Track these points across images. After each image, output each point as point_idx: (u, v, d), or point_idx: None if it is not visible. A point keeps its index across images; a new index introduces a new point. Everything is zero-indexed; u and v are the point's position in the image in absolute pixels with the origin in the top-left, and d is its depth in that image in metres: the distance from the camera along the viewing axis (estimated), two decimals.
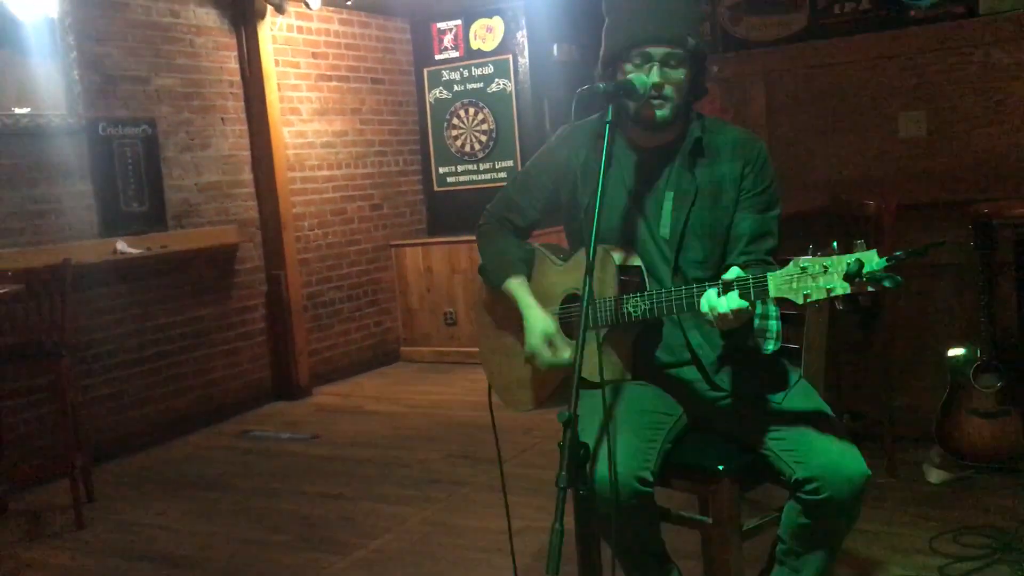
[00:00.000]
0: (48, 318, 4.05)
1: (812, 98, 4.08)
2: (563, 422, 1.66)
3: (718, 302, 1.72)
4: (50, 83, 4.61)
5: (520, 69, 6.58)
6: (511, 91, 6.61)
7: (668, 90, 1.98)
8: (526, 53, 6.55)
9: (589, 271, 1.72)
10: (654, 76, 1.96)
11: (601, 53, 2.06)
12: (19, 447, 4.38)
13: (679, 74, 1.99)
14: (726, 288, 1.71)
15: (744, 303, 1.69)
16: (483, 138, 6.75)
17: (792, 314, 2.16)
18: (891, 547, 2.96)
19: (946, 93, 3.82)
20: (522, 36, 6.56)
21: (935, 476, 3.50)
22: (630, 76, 1.96)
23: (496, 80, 6.66)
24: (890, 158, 3.96)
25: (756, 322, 1.89)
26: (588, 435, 1.89)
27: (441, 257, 6.58)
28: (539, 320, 2.13)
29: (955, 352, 3.51)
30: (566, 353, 2.08)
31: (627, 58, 1.99)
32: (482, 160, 6.77)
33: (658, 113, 1.99)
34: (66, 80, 4.68)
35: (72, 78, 4.70)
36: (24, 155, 4.51)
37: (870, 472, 1.85)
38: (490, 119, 6.70)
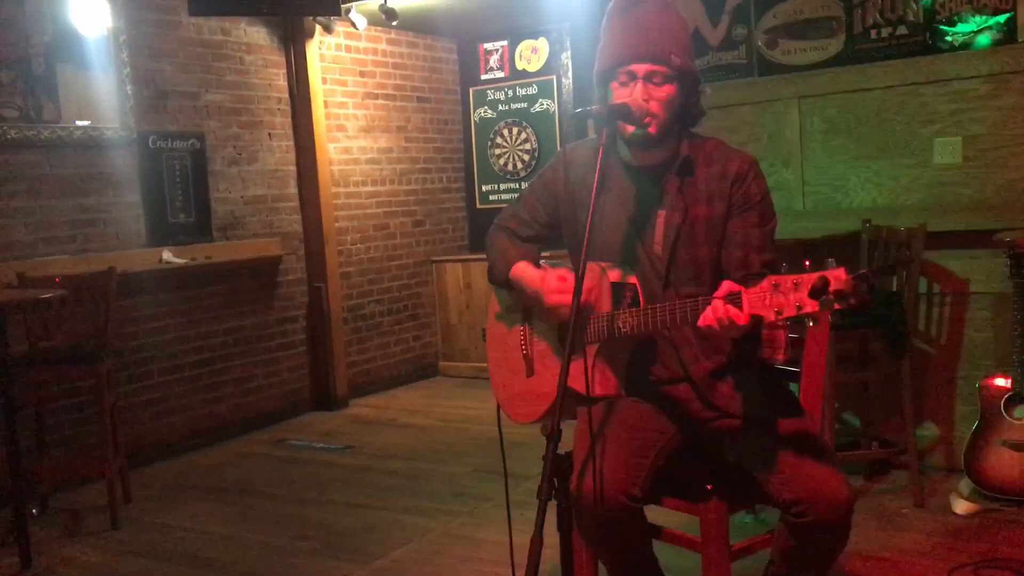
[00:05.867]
0: (92, 324, 4.20)
1: (847, 123, 4.06)
2: (546, 435, 1.69)
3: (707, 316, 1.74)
4: (104, 97, 4.79)
5: (564, 90, 6.64)
6: (554, 111, 6.67)
7: (652, 107, 2.00)
8: (570, 74, 6.61)
9: (577, 286, 1.76)
10: (637, 93, 1.99)
11: (594, 75, 2.10)
12: (61, 447, 4.53)
13: (663, 92, 2.01)
14: (704, 304, 1.73)
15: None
16: (525, 157, 6.81)
17: (793, 337, 2.16)
18: None
19: (983, 120, 3.77)
20: (566, 57, 6.62)
21: (962, 508, 3.45)
22: (625, 100, 1.99)
23: (540, 100, 6.72)
24: (924, 184, 3.92)
25: (764, 332, 1.90)
26: (580, 449, 1.91)
27: (481, 274, 6.62)
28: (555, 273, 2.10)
29: (987, 382, 3.46)
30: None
31: (613, 77, 2.03)
32: (524, 179, 6.83)
33: (641, 131, 2.02)
34: (119, 94, 4.85)
35: (125, 92, 4.88)
36: (77, 166, 4.68)
37: (855, 497, 1.85)
38: (533, 139, 6.76)
